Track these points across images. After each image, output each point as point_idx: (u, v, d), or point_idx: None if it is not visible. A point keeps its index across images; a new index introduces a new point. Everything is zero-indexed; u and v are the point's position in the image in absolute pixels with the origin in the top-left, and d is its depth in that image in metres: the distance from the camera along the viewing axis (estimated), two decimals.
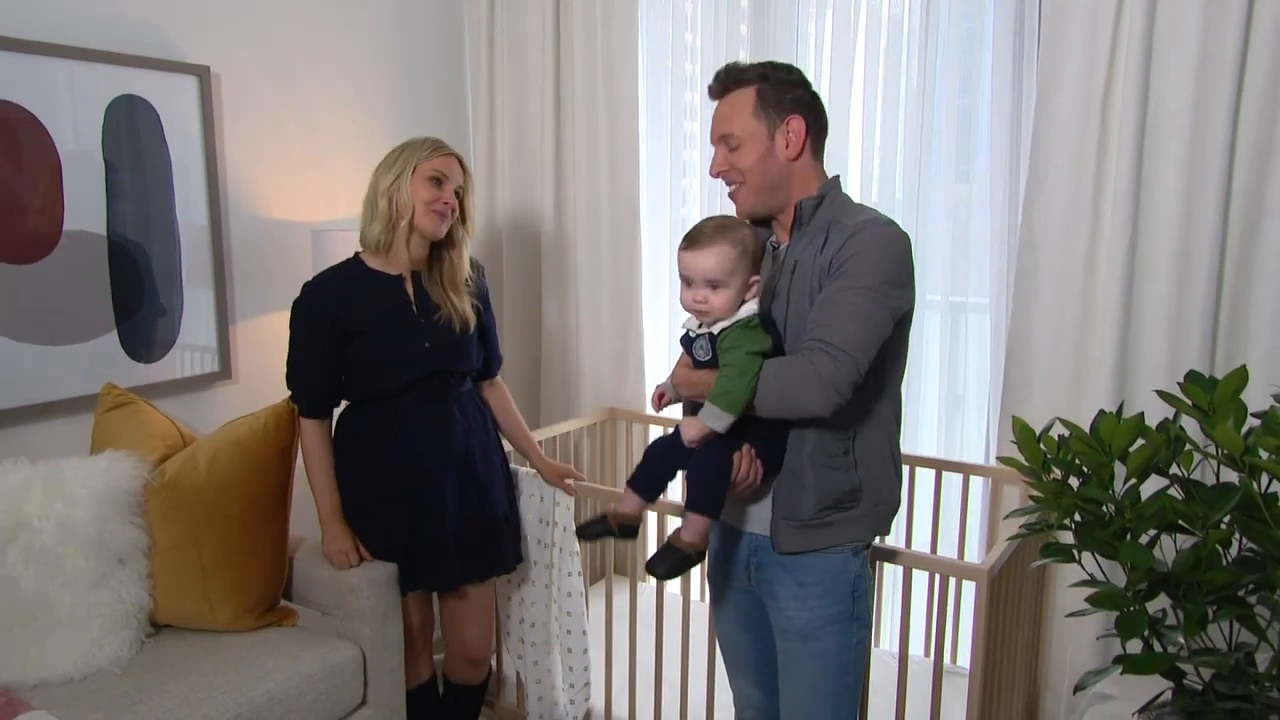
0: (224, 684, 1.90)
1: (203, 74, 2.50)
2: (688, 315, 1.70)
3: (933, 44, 2.59)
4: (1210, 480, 1.34)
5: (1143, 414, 1.29)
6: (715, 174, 1.75)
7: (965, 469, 2.48)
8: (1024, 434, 1.40)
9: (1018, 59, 2.42)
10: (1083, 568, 1.42)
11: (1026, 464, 1.41)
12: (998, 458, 1.59)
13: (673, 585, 2.58)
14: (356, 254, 2.16)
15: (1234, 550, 1.34)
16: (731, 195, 1.74)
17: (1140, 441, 1.31)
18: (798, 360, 1.56)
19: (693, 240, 1.64)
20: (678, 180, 3.13)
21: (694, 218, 3.06)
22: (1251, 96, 2.03)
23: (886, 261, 1.58)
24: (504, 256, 3.26)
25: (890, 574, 2.38)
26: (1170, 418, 1.37)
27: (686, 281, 1.65)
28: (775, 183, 1.70)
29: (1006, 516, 1.58)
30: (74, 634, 1.93)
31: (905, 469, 2.57)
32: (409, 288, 2.13)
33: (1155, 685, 1.42)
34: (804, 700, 1.74)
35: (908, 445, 2.67)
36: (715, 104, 1.75)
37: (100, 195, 2.32)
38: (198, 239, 2.54)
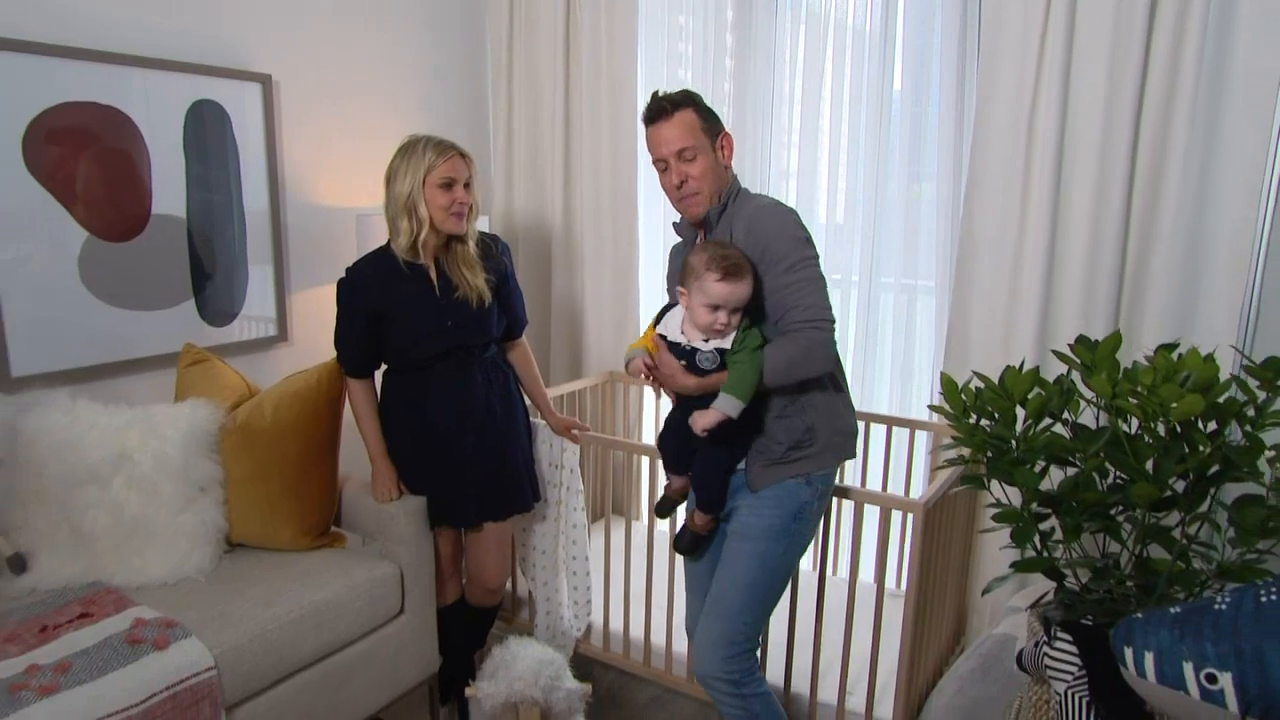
0: (288, 590, 2.08)
1: (265, 81, 2.65)
2: (676, 327, 1.82)
3: (889, 63, 2.73)
4: (1094, 425, 1.54)
5: (1038, 368, 1.47)
6: (677, 184, 1.88)
7: (912, 424, 2.66)
8: (948, 386, 1.59)
9: (960, 77, 2.58)
10: (990, 493, 1.61)
11: (950, 410, 1.60)
12: (928, 406, 1.78)
13: (661, 524, 2.76)
14: (388, 243, 2.21)
15: (1109, 480, 1.53)
16: (686, 202, 1.90)
17: (1037, 390, 1.50)
18: (792, 340, 1.76)
19: (728, 273, 1.71)
20: None
21: None
22: (1150, 110, 2.19)
23: (793, 234, 1.80)
24: (520, 242, 3.42)
25: (847, 510, 2.55)
26: (1065, 373, 1.55)
27: (713, 308, 1.73)
28: (718, 187, 1.90)
29: (933, 449, 1.76)
30: (167, 548, 2.11)
31: (861, 425, 2.76)
32: (433, 274, 2.20)
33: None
34: (726, 588, 1.93)
35: (866, 406, 2.87)
36: (654, 127, 1.88)
37: (181, 185, 2.48)
38: (260, 223, 2.71)
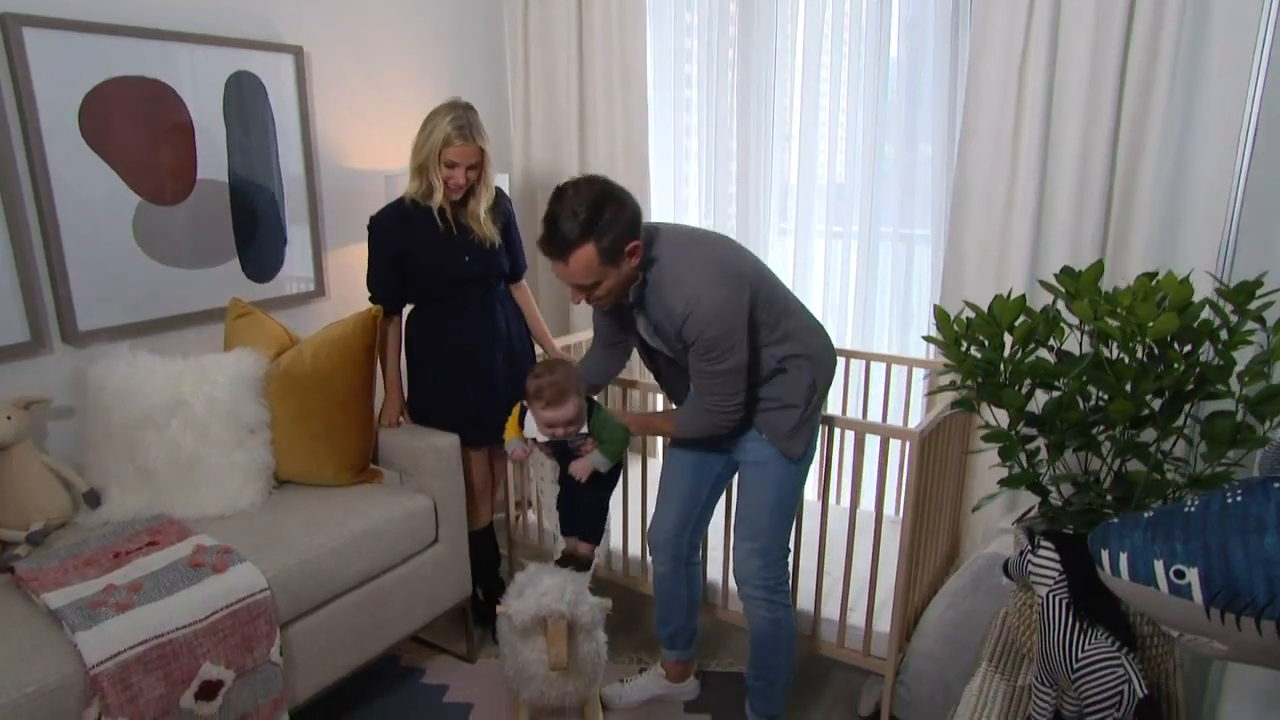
0: (331, 520, 2.13)
1: (297, 52, 2.65)
2: (532, 430, 2.04)
3: (885, 31, 2.68)
4: (1077, 352, 1.53)
5: (1024, 296, 1.47)
6: (577, 303, 1.87)
7: (910, 362, 2.65)
8: (941, 317, 1.58)
9: (954, 41, 2.53)
10: (980, 416, 1.61)
11: (943, 339, 1.60)
12: (923, 337, 1.77)
13: None
14: (405, 195, 2.32)
15: (1091, 402, 1.53)
16: (595, 304, 1.86)
17: (1023, 318, 1.50)
18: (704, 414, 1.88)
19: (550, 403, 1.94)
20: (680, 139, 3.24)
21: (692, 172, 3.20)
22: (1135, 58, 2.15)
23: (700, 333, 1.75)
24: (538, 195, 3.41)
25: (849, 441, 2.56)
26: (1051, 302, 1.55)
27: (550, 424, 1.97)
28: (628, 286, 1.83)
29: (927, 377, 1.76)
30: (221, 484, 2.16)
31: (861, 363, 2.76)
32: (448, 216, 2.30)
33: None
34: (753, 511, 2.01)
35: (866, 346, 2.87)
36: (551, 260, 1.76)
37: (223, 151, 2.50)
38: (296, 186, 2.72)
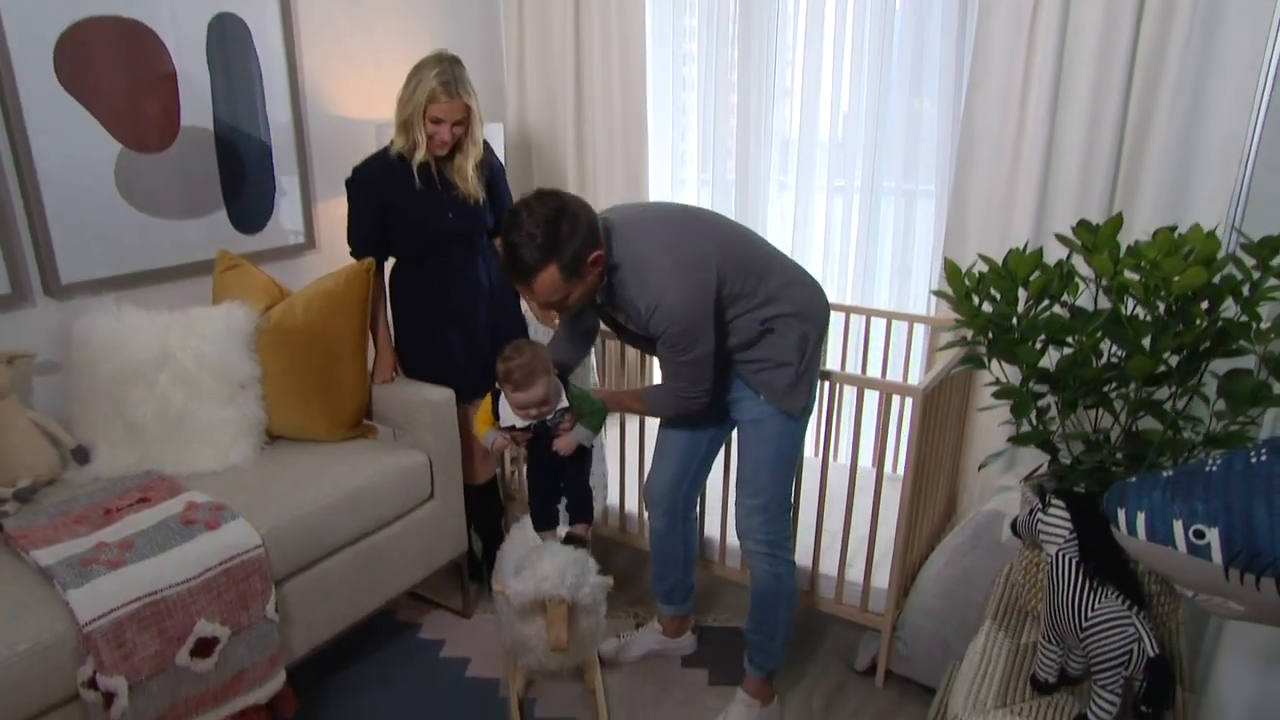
0: (325, 476, 2.08)
1: None
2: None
3: None
4: (1090, 309, 1.48)
5: (1041, 249, 1.42)
6: (548, 324, 1.81)
7: (910, 318, 2.61)
8: (952, 270, 1.53)
9: None
10: (990, 371, 1.57)
11: (952, 294, 1.55)
12: (932, 291, 1.72)
13: None
14: (390, 144, 2.25)
15: (1103, 360, 1.49)
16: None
17: (1038, 272, 1.45)
18: (673, 398, 1.87)
19: (518, 385, 1.89)
20: (679, 92, 3.15)
21: (691, 126, 3.11)
22: (1151, 12, 2.07)
23: (665, 327, 1.72)
24: (533, 150, 3.32)
25: (848, 396, 2.52)
26: (1065, 258, 1.49)
27: (522, 406, 1.92)
28: (594, 290, 1.78)
29: (932, 336, 1.72)
30: (212, 439, 2.11)
31: (861, 319, 2.71)
32: (432, 171, 2.24)
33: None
34: (752, 469, 1.97)
35: (866, 302, 2.82)
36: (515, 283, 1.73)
37: (206, 97, 2.39)
38: (284, 134, 2.62)
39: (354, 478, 2.10)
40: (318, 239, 2.76)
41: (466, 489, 2.46)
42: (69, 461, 2.08)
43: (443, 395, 2.29)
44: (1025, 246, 1.45)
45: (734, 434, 2.07)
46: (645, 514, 2.50)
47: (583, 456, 2.08)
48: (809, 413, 1.97)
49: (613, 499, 2.67)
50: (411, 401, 2.29)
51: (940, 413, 2.19)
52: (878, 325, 2.68)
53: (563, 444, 2.01)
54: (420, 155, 2.19)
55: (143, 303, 2.18)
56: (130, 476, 2.04)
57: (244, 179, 2.52)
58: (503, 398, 1.99)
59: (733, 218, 3.02)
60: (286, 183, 2.64)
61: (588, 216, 1.69)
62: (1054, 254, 1.74)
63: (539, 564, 1.85)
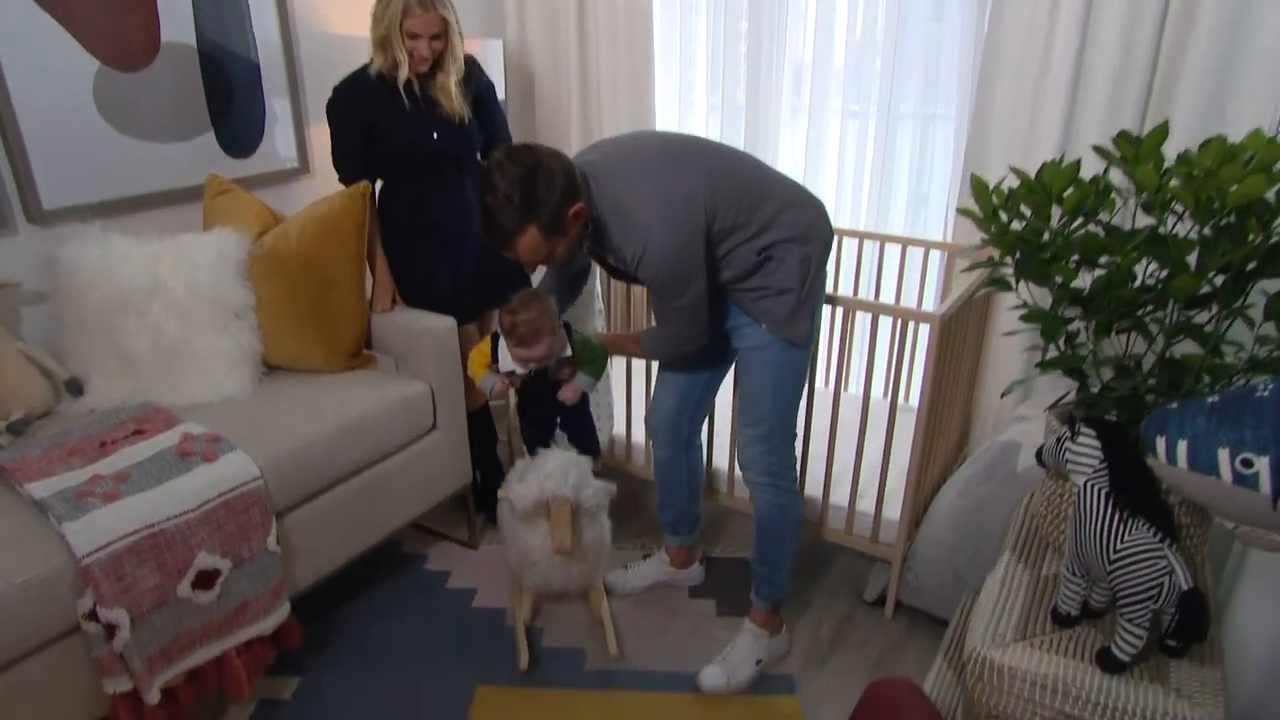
0: (324, 406, 2.02)
1: None
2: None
3: None
4: (1127, 229, 1.39)
5: (1079, 161, 1.31)
6: (532, 271, 1.76)
7: (926, 243, 2.50)
8: (979, 186, 1.43)
9: None
10: (1018, 294, 1.48)
11: (979, 213, 1.45)
12: (958, 210, 1.59)
13: None
14: (369, 63, 2.16)
15: (1138, 282, 1.40)
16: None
17: (1072, 189, 1.35)
18: (667, 340, 1.83)
19: (521, 341, 1.84)
20: (687, 18, 2.96)
21: (699, 53, 2.94)
22: None
23: (676, 273, 1.65)
24: (533, 72, 3.16)
25: (861, 324, 2.42)
26: (1102, 171, 1.39)
27: (524, 360, 1.88)
28: (580, 241, 1.70)
29: (960, 256, 1.62)
30: (208, 370, 2.04)
31: (876, 244, 2.61)
32: (416, 89, 2.15)
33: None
34: (754, 397, 1.89)
35: (881, 228, 2.71)
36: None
37: (189, 11, 2.25)
38: (273, 53, 2.48)
39: (354, 408, 2.04)
40: (312, 163, 2.64)
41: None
42: (62, 394, 2.02)
43: (444, 324, 2.21)
44: (1062, 159, 1.34)
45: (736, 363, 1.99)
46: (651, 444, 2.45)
47: (582, 401, 2.04)
48: (813, 340, 1.89)
49: (619, 429, 2.62)
50: (412, 330, 2.21)
51: (957, 341, 2.11)
52: (891, 253, 2.58)
53: (568, 394, 1.98)
54: (403, 74, 2.09)
55: (131, 230, 2.09)
56: (125, 409, 1.98)
57: (231, 99, 2.39)
58: (503, 343, 1.92)
59: (742, 144, 2.92)
60: (278, 105, 2.51)
61: (564, 169, 1.59)
62: (1086, 171, 1.63)
63: (542, 464, 1.84)
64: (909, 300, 2.60)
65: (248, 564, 1.77)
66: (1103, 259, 1.36)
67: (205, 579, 1.70)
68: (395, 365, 2.30)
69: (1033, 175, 1.34)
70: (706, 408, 2.17)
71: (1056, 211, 1.35)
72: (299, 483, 1.90)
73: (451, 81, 2.15)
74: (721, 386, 2.16)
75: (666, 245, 1.62)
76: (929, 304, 2.56)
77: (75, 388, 2.01)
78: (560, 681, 2.02)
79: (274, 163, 2.54)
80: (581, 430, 2.09)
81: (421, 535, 2.58)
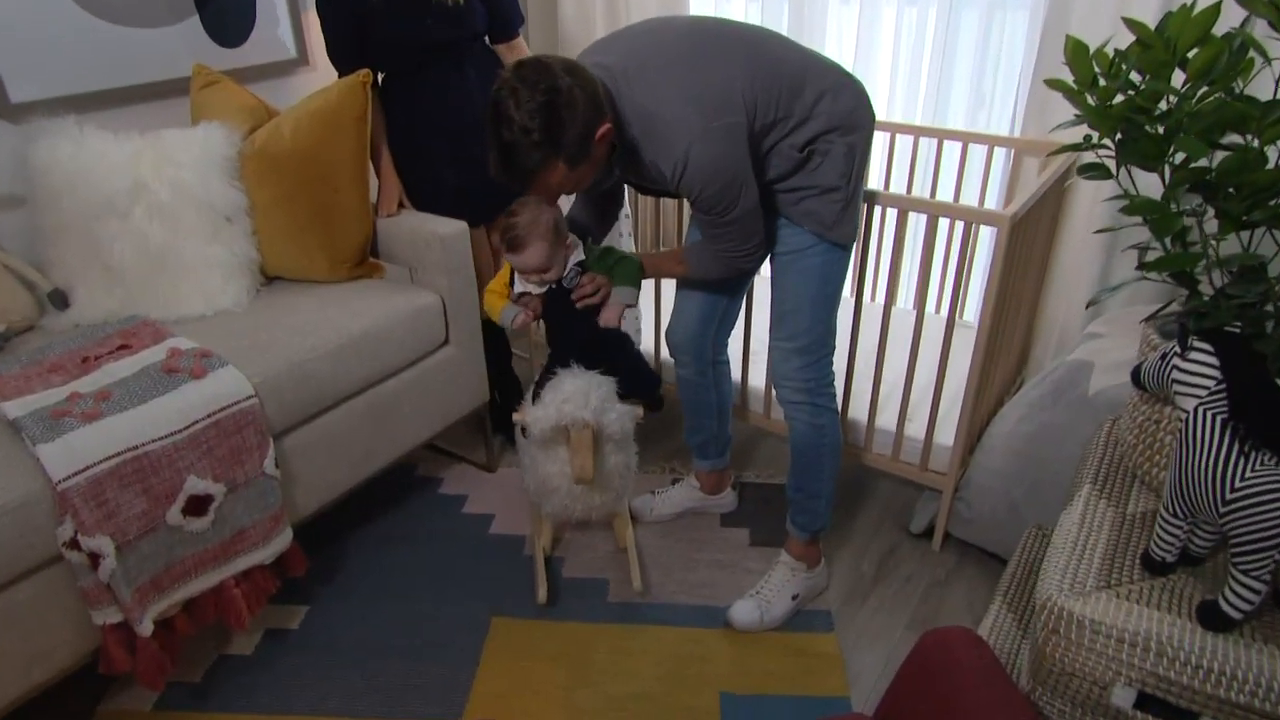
0: (326, 320, 1.86)
1: None
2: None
3: None
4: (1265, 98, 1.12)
5: (1219, 4, 1.04)
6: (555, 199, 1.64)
7: (991, 139, 2.21)
8: (1076, 49, 1.17)
9: None
10: (1119, 184, 1.23)
11: (1074, 85, 1.19)
12: (1045, 81, 1.31)
13: None
14: None
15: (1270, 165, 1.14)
16: None
17: (1196, 49, 1.08)
18: (717, 257, 1.64)
19: (510, 246, 1.65)
20: None
21: None
22: None
23: (723, 185, 1.47)
24: None
25: (913, 227, 2.15)
26: (1240, 23, 1.12)
27: (520, 270, 1.70)
28: (607, 160, 1.53)
29: (1053, 130, 1.37)
30: (200, 280, 1.88)
31: (933, 141, 2.32)
32: None
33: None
34: (790, 305, 1.70)
35: (940, 122, 2.42)
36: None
37: None
38: None
39: (358, 321, 1.87)
40: (311, 54, 2.40)
41: None
42: (46, 306, 1.87)
43: (455, 228, 2.01)
44: (1194, 4, 1.07)
45: (769, 268, 1.76)
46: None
47: (619, 334, 1.78)
48: (855, 241, 1.66)
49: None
50: (420, 235, 2.01)
51: (1026, 245, 1.86)
52: (950, 151, 2.29)
53: (609, 316, 1.72)
54: None
55: (111, 125, 1.89)
56: (112, 322, 1.82)
57: None
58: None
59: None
60: None
61: (585, 86, 1.37)
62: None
63: (560, 385, 1.65)
64: (968, 203, 2.33)
65: (243, 489, 1.63)
66: (1227, 138, 1.10)
67: (197, 505, 1.57)
68: (411, 276, 2.11)
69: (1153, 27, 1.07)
70: (733, 320, 1.97)
71: (1177, 78, 1.09)
72: (298, 402, 1.74)
73: None
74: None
75: (711, 155, 1.42)
76: (991, 203, 2.29)
77: (59, 300, 1.86)
78: (581, 615, 1.89)
79: (268, 53, 2.30)
80: (631, 368, 1.80)
81: (437, 457, 2.43)
